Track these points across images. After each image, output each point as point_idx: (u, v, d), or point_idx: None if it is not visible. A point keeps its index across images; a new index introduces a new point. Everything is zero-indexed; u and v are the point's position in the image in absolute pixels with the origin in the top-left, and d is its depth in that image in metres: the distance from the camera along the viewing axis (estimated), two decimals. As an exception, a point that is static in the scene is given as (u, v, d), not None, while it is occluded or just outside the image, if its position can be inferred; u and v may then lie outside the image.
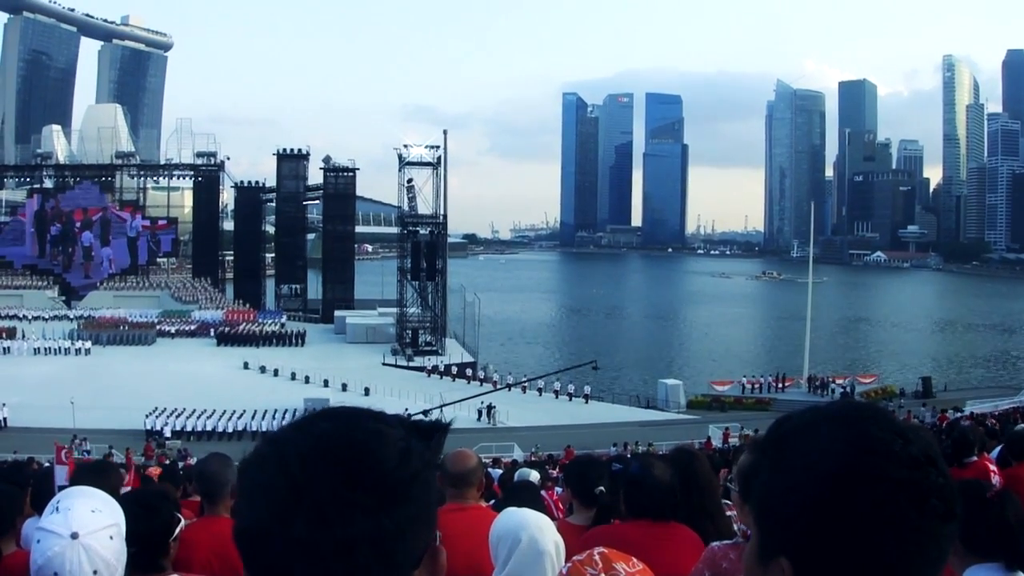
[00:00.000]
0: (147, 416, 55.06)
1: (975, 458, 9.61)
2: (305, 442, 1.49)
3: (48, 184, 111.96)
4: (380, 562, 1.44)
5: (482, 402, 61.98)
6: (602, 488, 5.76)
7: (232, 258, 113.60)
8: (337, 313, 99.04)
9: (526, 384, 72.00)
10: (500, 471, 20.21)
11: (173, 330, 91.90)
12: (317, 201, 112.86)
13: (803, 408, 1.67)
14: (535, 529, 3.81)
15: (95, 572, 2.85)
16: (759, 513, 1.63)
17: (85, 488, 3.24)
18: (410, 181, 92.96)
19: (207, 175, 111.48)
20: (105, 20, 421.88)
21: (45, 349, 79.15)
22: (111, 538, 2.94)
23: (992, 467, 9.63)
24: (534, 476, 12.33)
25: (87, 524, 2.89)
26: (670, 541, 4.77)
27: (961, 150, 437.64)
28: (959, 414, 48.23)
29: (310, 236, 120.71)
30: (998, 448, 11.25)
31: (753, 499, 1.66)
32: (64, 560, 2.83)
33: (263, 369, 73.73)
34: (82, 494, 3.09)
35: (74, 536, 2.84)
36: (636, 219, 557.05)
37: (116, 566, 2.94)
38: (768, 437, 1.68)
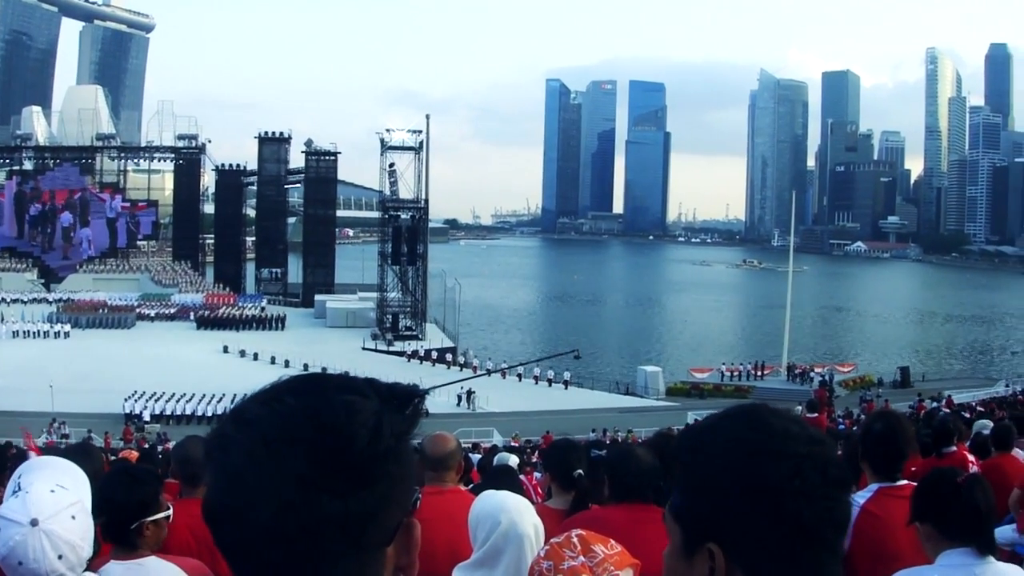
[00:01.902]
0: (126, 400, 54.78)
1: (954, 448, 9.70)
2: (271, 423, 1.43)
3: (28, 166, 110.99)
4: (348, 544, 1.42)
5: (462, 387, 62.07)
6: (580, 472, 5.78)
7: (212, 241, 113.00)
8: (317, 297, 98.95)
9: (506, 370, 72.18)
10: (480, 456, 20.24)
11: (153, 313, 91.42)
12: (298, 185, 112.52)
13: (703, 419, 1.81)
14: (514, 512, 3.82)
15: (60, 557, 2.76)
16: (678, 512, 1.72)
17: (46, 460, 3.15)
18: (392, 166, 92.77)
19: (188, 158, 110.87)
20: (86, 0, 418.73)
21: (24, 332, 78.69)
22: (73, 518, 2.84)
23: (970, 457, 9.73)
24: (513, 461, 12.34)
25: (46, 508, 2.78)
26: (650, 524, 4.80)
27: (943, 142, 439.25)
28: (935, 404, 48.55)
29: (291, 220, 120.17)
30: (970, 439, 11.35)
31: (671, 502, 1.76)
32: (27, 548, 2.74)
33: (243, 353, 73.56)
34: (42, 468, 3.00)
35: (34, 523, 2.75)
36: (618, 206, 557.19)
37: (82, 545, 2.84)
38: (677, 445, 1.80)
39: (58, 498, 2.85)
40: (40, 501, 2.81)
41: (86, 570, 2.92)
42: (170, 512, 4.26)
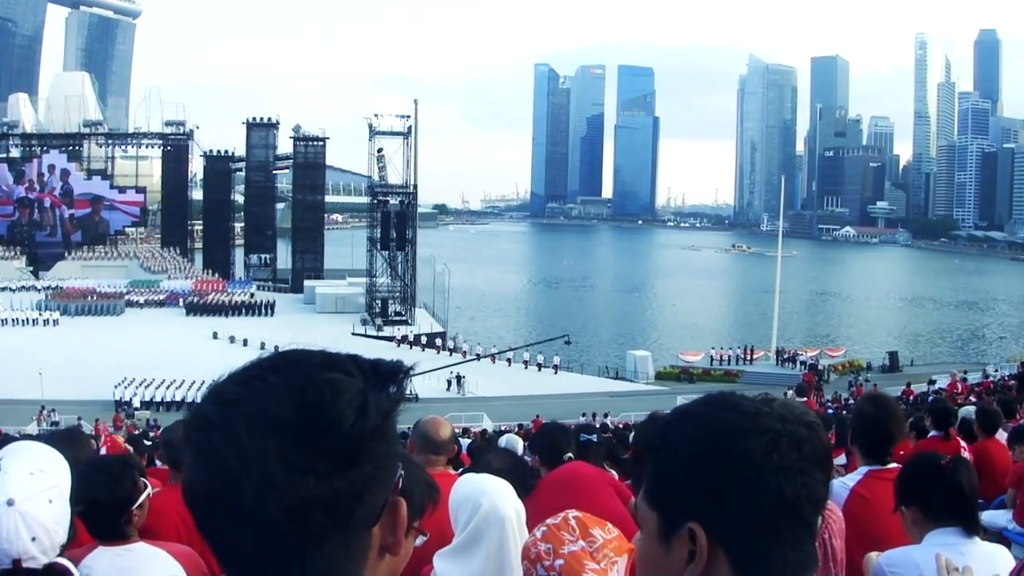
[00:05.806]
0: (116, 387, 54.84)
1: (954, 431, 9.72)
2: (253, 404, 1.38)
3: (15, 153, 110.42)
4: (335, 526, 1.38)
5: (452, 372, 62.19)
6: (570, 455, 5.78)
7: (201, 228, 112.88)
8: (306, 283, 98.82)
9: (496, 354, 72.24)
10: (469, 440, 20.27)
11: (142, 300, 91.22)
12: (287, 170, 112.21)
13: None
14: (495, 495, 3.79)
15: (33, 539, 2.74)
16: (654, 497, 1.70)
17: (27, 445, 3.14)
18: (380, 151, 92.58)
19: (176, 144, 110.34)
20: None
21: (12, 320, 78.39)
22: (50, 502, 2.82)
23: (962, 442, 9.76)
24: (520, 445, 12.17)
25: (23, 489, 2.76)
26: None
27: (932, 128, 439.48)
28: (930, 387, 48.71)
29: (280, 206, 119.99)
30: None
31: (646, 488, 1.73)
32: (0, 527, 2.74)
33: (232, 339, 73.36)
34: (21, 452, 2.96)
35: (10, 503, 2.73)
36: (607, 191, 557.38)
37: (56, 530, 2.82)
38: (649, 434, 1.79)
39: (36, 481, 2.84)
40: (17, 482, 2.79)
41: (60, 555, 2.91)
42: (150, 489, 4.26)
